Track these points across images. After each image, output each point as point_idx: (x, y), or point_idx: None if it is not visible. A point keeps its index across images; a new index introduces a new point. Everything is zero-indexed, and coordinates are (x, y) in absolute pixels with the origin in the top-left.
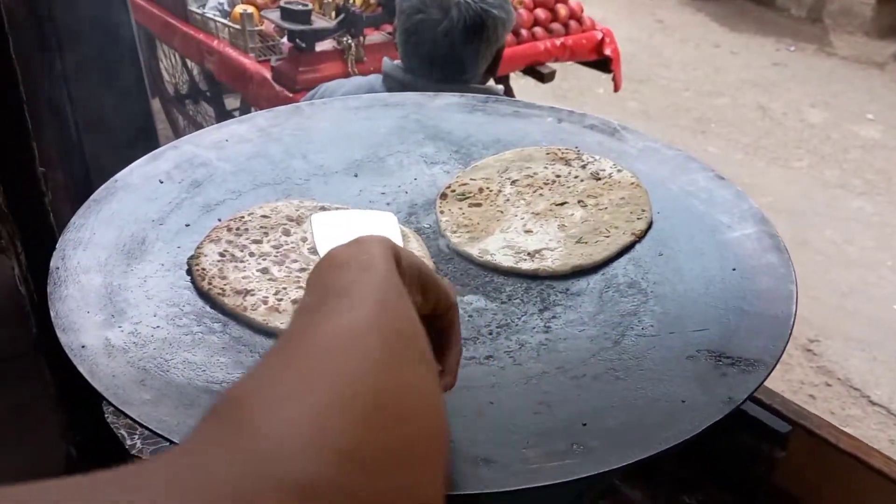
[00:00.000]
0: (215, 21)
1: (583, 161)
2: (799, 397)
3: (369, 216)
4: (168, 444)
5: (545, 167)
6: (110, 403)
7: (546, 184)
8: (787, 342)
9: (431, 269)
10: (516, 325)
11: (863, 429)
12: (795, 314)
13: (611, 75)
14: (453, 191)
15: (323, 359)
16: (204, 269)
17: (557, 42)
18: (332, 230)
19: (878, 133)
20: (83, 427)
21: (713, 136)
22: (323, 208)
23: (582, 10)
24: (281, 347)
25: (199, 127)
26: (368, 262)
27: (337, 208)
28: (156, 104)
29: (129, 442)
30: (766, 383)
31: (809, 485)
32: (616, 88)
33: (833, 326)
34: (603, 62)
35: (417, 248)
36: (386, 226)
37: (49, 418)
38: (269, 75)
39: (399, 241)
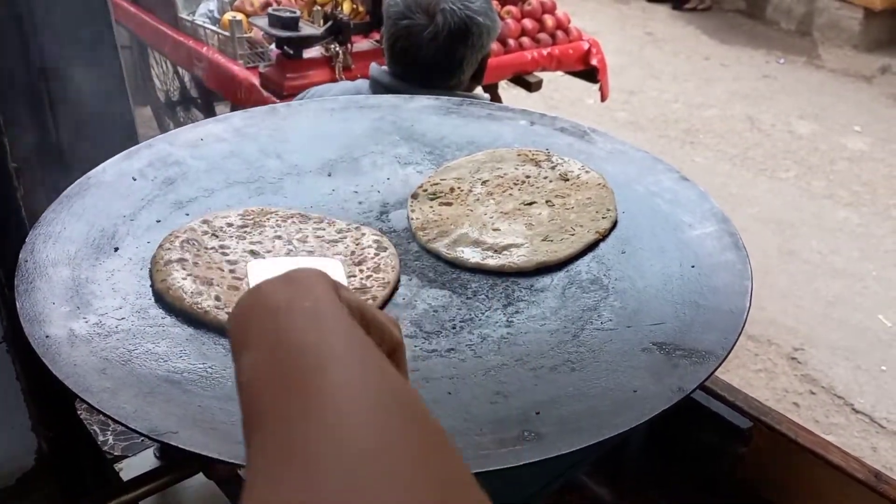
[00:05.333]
0: (205, 28)
1: (552, 162)
2: (783, 405)
3: (311, 263)
4: (128, 431)
5: (516, 168)
6: (70, 391)
7: (516, 184)
8: (739, 335)
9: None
10: (479, 319)
11: (846, 436)
12: (749, 309)
13: (598, 85)
14: (425, 190)
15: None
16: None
17: (544, 52)
18: (270, 276)
19: (865, 145)
20: (55, 422)
21: (701, 147)
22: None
23: (569, 21)
24: (281, 463)
25: None
26: (315, 309)
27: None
28: (147, 111)
29: (101, 438)
30: (729, 380)
31: (772, 479)
32: (603, 98)
33: (818, 335)
34: (590, 72)
35: (390, 255)
36: (330, 272)
37: (19, 411)
38: (257, 82)
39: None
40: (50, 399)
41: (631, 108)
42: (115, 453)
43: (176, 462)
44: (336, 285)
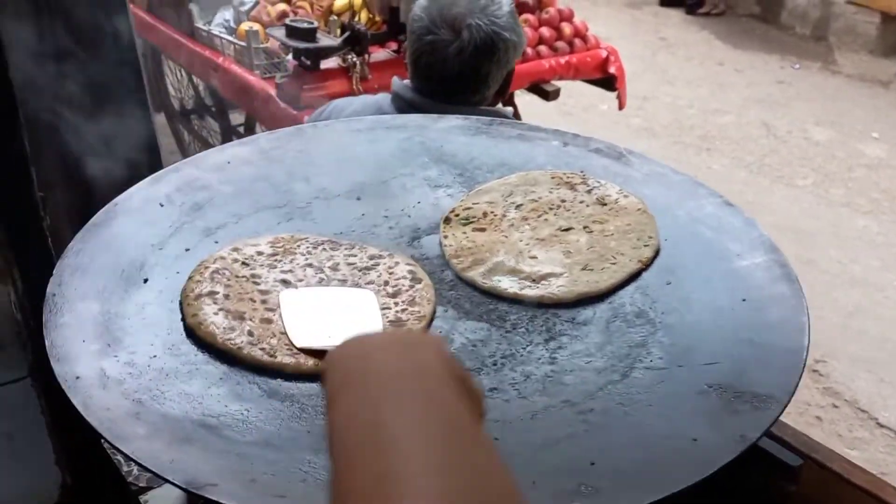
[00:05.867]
0: (221, 38)
1: (588, 186)
2: (805, 419)
3: (345, 294)
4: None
5: (550, 191)
6: (102, 437)
7: (551, 208)
8: (801, 376)
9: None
10: (521, 355)
11: (870, 451)
12: (808, 347)
13: (615, 93)
14: (457, 215)
15: None
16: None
17: (562, 60)
18: (303, 309)
19: (884, 152)
20: (78, 453)
21: (717, 154)
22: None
23: (587, 29)
24: None
25: (203, 142)
26: (423, 389)
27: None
28: (161, 119)
29: (125, 468)
30: None
31: None
32: (621, 106)
33: (839, 347)
34: (607, 80)
35: (425, 286)
36: (364, 305)
37: (43, 445)
38: (273, 92)
39: (378, 320)
40: (75, 432)
41: (645, 114)
42: (140, 484)
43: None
44: (446, 356)
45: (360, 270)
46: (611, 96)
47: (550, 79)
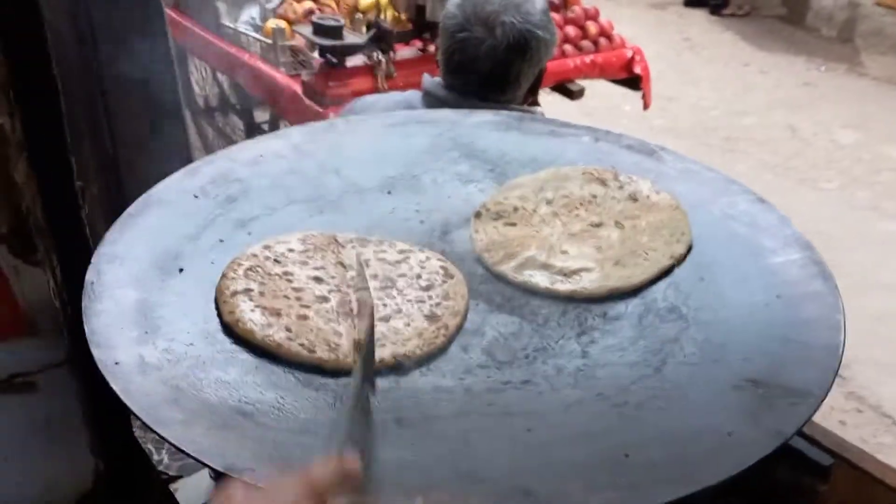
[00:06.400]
0: (247, 35)
1: (620, 182)
2: (829, 423)
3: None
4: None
5: (581, 187)
6: (143, 422)
7: (582, 204)
8: (836, 373)
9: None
10: (553, 349)
11: (895, 456)
12: (844, 344)
13: (640, 93)
14: (488, 210)
15: None
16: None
17: (587, 59)
18: None
19: None
20: (111, 441)
21: (741, 155)
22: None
23: (612, 28)
24: None
25: (227, 139)
26: None
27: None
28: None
29: (156, 457)
30: None
31: None
32: (646, 106)
33: (864, 351)
34: (632, 80)
35: (458, 281)
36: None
37: (79, 432)
38: (299, 90)
39: None
40: (109, 420)
41: (669, 115)
42: (171, 473)
43: None
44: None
45: (390, 264)
46: (634, 97)
47: (575, 78)
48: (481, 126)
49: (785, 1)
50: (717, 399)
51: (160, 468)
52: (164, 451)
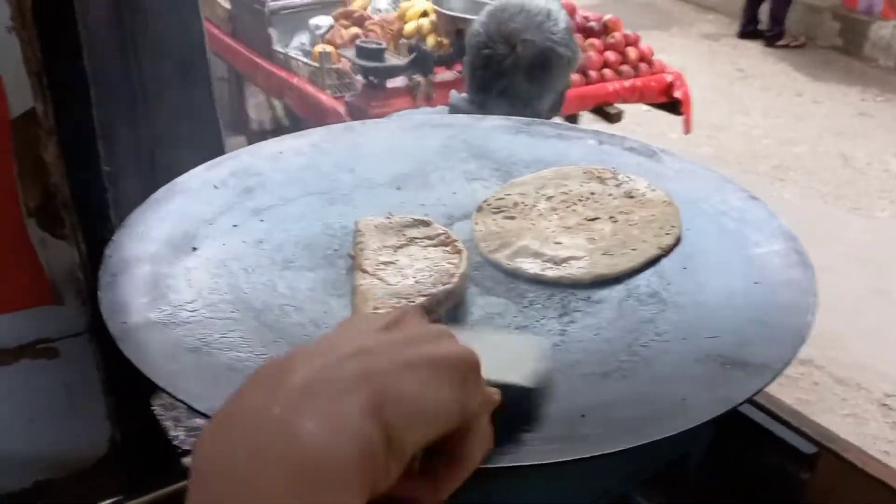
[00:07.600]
0: (297, 59)
1: (618, 180)
2: (871, 453)
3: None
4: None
5: (580, 185)
6: (147, 384)
7: (580, 200)
8: (798, 350)
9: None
10: (534, 327)
11: None
12: (811, 325)
13: (681, 118)
14: (489, 204)
15: None
16: None
17: (626, 83)
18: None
19: None
20: (129, 414)
21: (791, 184)
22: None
23: (652, 53)
24: None
25: None
26: None
27: None
28: (242, 140)
29: (172, 433)
30: (797, 408)
31: None
32: (686, 131)
33: None
34: (673, 105)
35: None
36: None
37: (97, 399)
38: (342, 110)
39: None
40: (126, 389)
41: (717, 142)
42: (186, 447)
43: None
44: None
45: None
46: (680, 124)
47: (614, 101)
48: (493, 129)
49: (841, 31)
50: (678, 371)
51: (175, 443)
52: (181, 428)
